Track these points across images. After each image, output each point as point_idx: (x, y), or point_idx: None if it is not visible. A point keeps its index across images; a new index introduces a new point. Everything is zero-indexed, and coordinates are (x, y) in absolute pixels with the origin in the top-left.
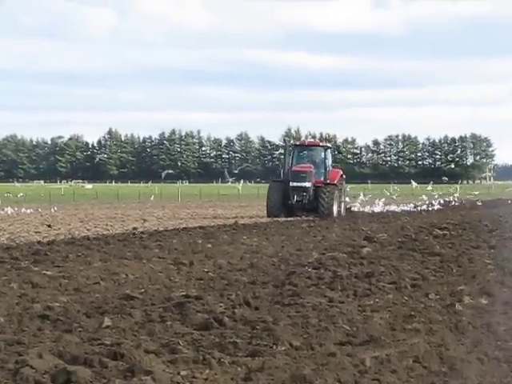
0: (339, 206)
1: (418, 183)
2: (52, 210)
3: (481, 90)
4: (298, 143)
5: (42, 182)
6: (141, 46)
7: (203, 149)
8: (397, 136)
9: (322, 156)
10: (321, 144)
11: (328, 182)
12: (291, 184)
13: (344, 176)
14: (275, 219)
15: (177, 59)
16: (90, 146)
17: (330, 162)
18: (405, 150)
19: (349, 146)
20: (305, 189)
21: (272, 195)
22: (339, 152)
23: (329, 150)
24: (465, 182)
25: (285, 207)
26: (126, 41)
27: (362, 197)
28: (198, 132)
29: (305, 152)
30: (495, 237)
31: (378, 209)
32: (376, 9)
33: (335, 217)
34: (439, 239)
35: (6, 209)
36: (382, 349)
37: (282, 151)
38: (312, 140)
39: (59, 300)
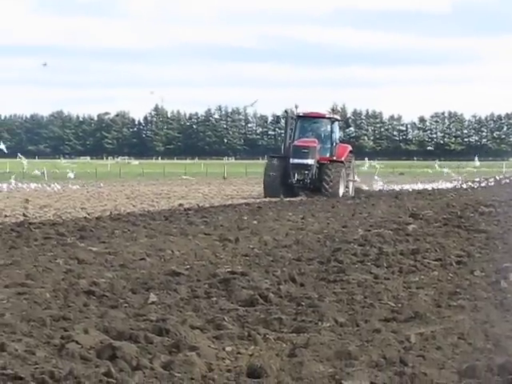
0: (347, 186)
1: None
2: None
3: None
4: (301, 114)
5: (88, 158)
6: (187, 22)
7: (249, 125)
8: (443, 113)
9: (329, 129)
10: (327, 115)
11: (334, 158)
12: (291, 161)
13: (352, 152)
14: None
15: (223, 36)
16: (137, 123)
17: (337, 136)
18: (451, 127)
19: (395, 122)
20: (307, 166)
21: (269, 173)
22: (386, 129)
23: (336, 123)
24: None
25: (284, 186)
26: (173, 17)
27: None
28: (244, 108)
29: (309, 125)
30: None
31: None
32: None
33: (341, 197)
34: (485, 216)
35: (52, 185)
36: (426, 325)
37: (283, 123)
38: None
39: (105, 276)
